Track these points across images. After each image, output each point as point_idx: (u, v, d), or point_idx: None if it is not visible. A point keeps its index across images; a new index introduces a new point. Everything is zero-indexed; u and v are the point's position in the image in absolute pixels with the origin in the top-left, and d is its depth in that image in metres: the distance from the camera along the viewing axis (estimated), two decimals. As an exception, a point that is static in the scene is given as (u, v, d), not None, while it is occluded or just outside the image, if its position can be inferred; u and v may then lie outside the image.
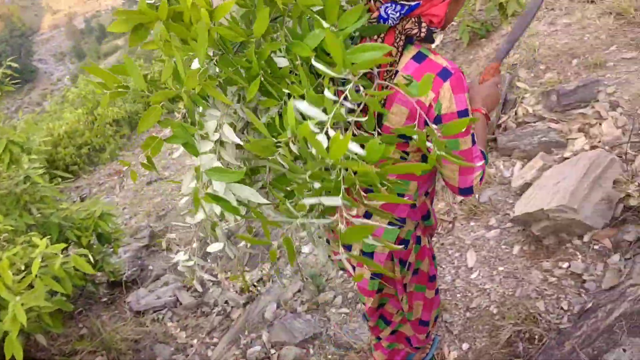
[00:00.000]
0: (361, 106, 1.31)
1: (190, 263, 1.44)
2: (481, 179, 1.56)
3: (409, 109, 1.48)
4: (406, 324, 2.18)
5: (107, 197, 8.57)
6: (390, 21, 1.42)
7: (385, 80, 1.44)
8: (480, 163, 1.53)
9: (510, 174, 3.27)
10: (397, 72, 1.45)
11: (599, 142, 3.07)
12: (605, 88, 3.43)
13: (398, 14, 1.41)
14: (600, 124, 3.18)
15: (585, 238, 2.61)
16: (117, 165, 10.12)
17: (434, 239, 3.10)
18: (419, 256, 1.92)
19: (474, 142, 1.51)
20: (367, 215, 1.76)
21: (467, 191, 1.57)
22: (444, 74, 1.42)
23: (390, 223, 1.75)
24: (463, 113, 1.45)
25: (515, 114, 3.60)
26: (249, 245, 4.52)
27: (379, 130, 1.52)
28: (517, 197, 3.04)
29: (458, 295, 2.64)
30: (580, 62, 3.80)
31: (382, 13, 1.42)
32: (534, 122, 3.45)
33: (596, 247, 2.56)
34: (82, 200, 8.48)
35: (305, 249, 3.64)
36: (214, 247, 1.41)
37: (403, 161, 1.61)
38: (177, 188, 7.59)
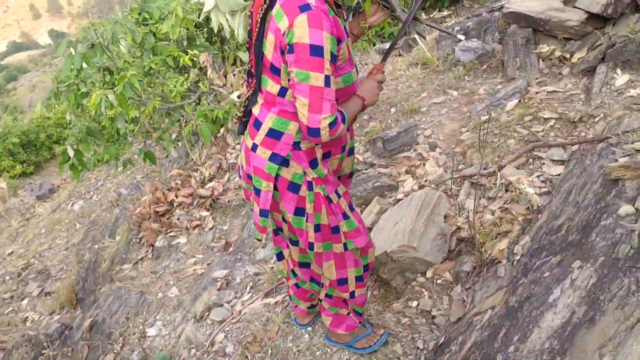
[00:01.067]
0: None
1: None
2: (333, 128, 1.65)
3: (274, 37, 1.65)
4: (335, 287, 2.22)
5: None
6: None
7: (260, 13, 1.68)
8: (329, 107, 1.63)
9: (351, 221, 3.33)
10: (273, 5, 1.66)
11: (426, 181, 3.25)
12: (422, 131, 3.69)
13: None
14: (423, 165, 3.38)
15: (428, 274, 2.70)
16: None
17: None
18: (316, 207, 1.92)
19: (327, 85, 1.60)
20: (254, 148, 1.88)
21: (314, 132, 1.65)
22: (305, 7, 1.57)
23: (272, 159, 1.84)
24: (316, 48, 1.57)
25: (348, 163, 3.72)
26: (87, 336, 4.05)
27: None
28: (361, 244, 3.09)
29: (317, 352, 2.55)
30: (398, 109, 4.07)
31: None
32: (366, 169, 3.59)
33: (439, 281, 2.66)
34: None
35: (152, 332, 3.33)
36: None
37: (280, 97, 1.78)
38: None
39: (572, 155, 2.92)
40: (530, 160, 3.04)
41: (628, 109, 2.97)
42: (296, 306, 2.61)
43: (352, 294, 2.23)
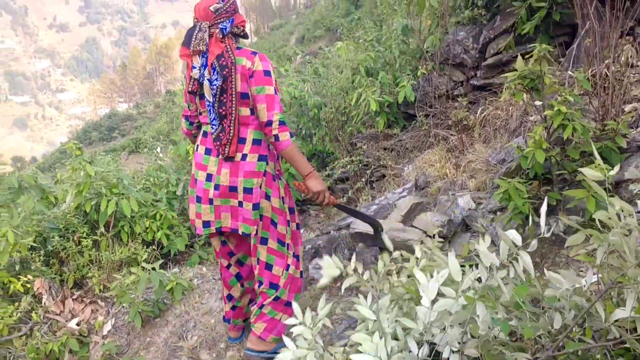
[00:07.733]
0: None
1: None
2: (281, 125, 2.55)
3: (240, 74, 2.57)
4: (287, 288, 2.86)
5: None
6: (227, 29, 2.58)
7: (221, 62, 2.56)
8: (278, 108, 2.57)
9: None
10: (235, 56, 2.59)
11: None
12: None
13: (229, 26, 2.59)
14: None
15: None
16: None
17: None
18: (286, 192, 2.87)
19: (275, 93, 2.58)
20: (244, 157, 2.65)
21: (268, 123, 2.56)
22: (254, 52, 2.62)
23: (261, 159, 2.70)
24: (267, 72, 2.58)
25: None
26: None
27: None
28: None
29: None
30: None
31: (222, 26, 2.57)
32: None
33: None
34: None
35: None
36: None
37: (253, 116, 2.65)
38: None
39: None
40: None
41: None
42: (234, 326, 3.29)
43: (301, 273, 3.03)
